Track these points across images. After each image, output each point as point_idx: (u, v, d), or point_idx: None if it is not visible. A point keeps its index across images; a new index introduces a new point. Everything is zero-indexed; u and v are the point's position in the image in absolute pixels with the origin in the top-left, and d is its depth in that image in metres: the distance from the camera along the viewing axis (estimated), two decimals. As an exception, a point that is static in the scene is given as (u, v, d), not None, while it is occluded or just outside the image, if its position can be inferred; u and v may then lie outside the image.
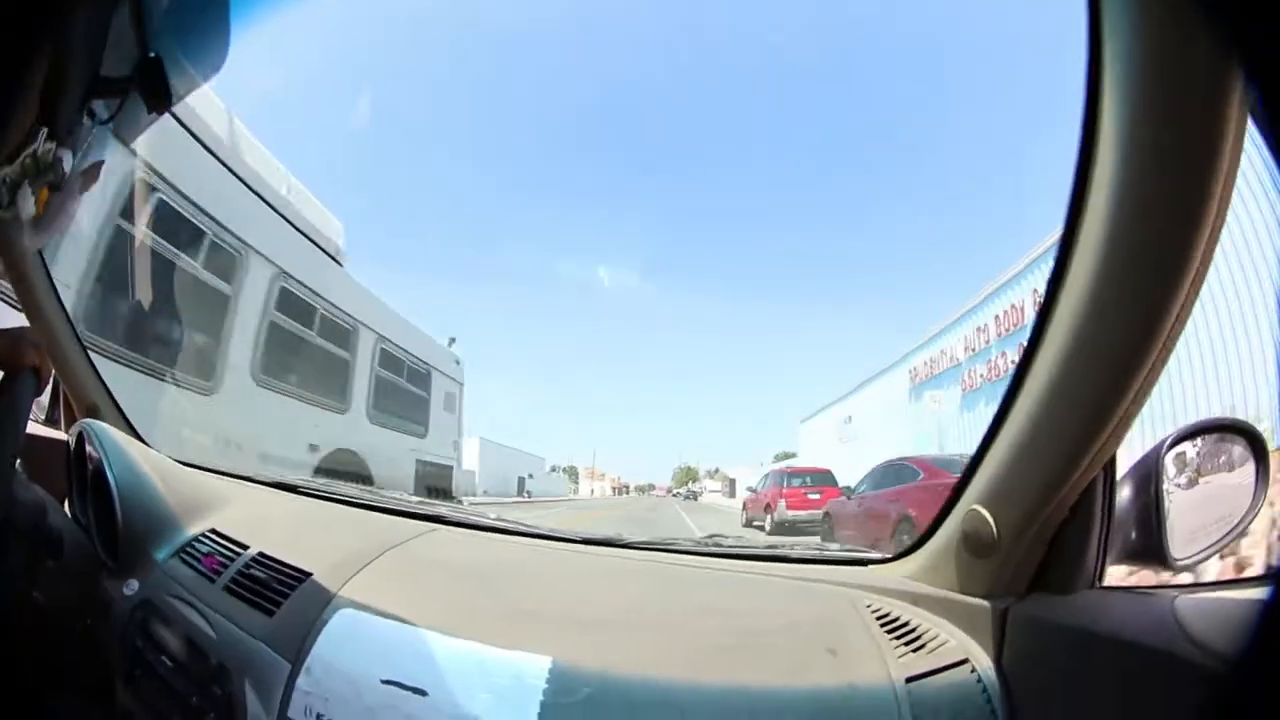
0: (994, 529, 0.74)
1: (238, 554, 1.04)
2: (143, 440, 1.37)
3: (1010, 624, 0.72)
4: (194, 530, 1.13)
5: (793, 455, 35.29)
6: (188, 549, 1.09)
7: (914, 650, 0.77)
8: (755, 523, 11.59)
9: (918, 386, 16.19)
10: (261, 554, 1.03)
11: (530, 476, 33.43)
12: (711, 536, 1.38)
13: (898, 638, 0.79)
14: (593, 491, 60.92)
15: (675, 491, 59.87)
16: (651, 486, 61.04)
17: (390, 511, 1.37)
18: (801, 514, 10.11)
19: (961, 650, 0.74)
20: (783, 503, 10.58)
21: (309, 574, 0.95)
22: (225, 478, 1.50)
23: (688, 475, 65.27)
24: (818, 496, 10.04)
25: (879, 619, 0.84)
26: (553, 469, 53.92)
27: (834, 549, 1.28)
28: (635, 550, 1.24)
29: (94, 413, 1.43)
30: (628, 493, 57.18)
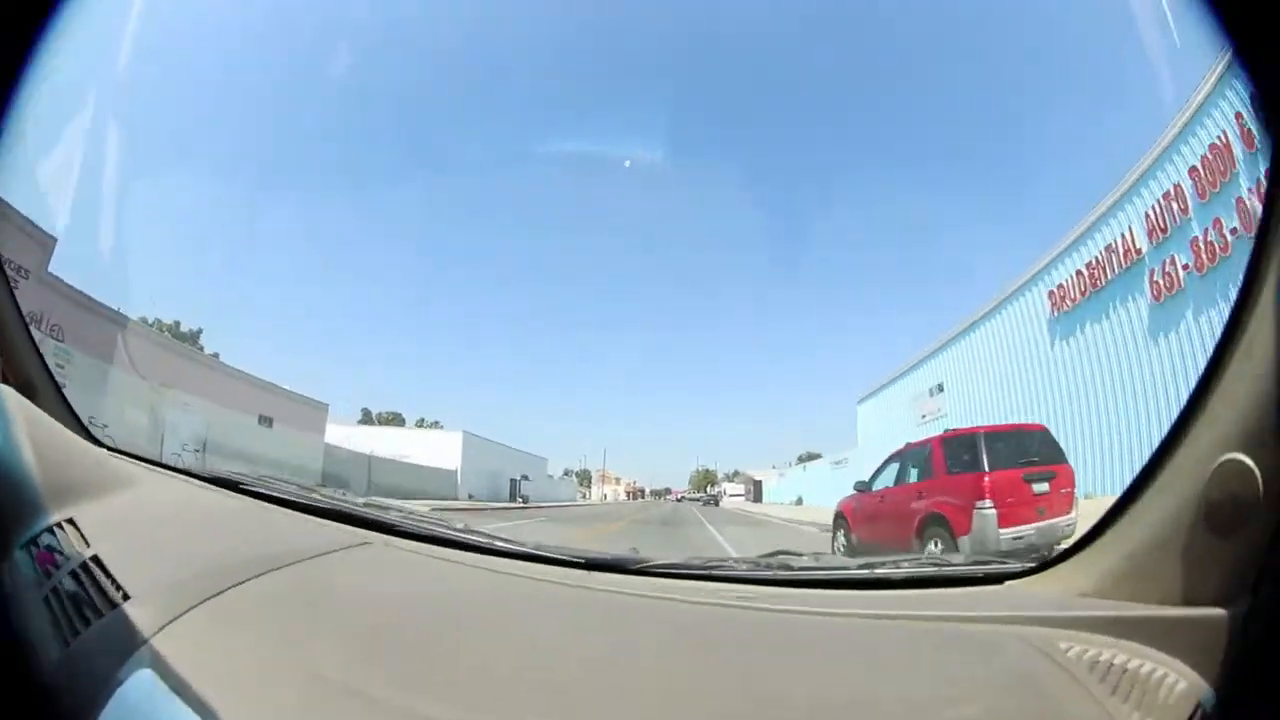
0: (1259, 483, 0.53)
1: (72, 555, 0.87)
2: (81, 424, 1.31)
3: (1253, 631, 0.53)
4: (55, 518, 0.96)
5: (817, 456, 31.20)
6: (36, 540, 0.92)
7: (1143, 713, 0.56)
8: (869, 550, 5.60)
9: (1067, 315, 11.03)
10: (96, 558, 0.85)
11: (525, 478, 28.57)
12: (775, 555, 1.14)
13: (1124, 699, 0.58)
14: (605, 496, 56.96)
15: (685, 496, 54.72)
16: (668, 490, 55.35)
17: (333, 515, 1.21)
18: (1026, 529, 4.22)
19: (1193, 694, 0.56)
20: (987, 508, 4.32)
21: (128, 596, 0.76)
22: (154, 467, 1.39)
23: (705, 479, 60.53)
24: (1046, 488, 4.45)
25: (1094, 672, 0.61)
26: (566, 473, 50.09)
27: (956, 561, 1.03)
28: (666, 578, 0.97)
29: (29, 391, 1.26)
30: (643, 497, 52.11)
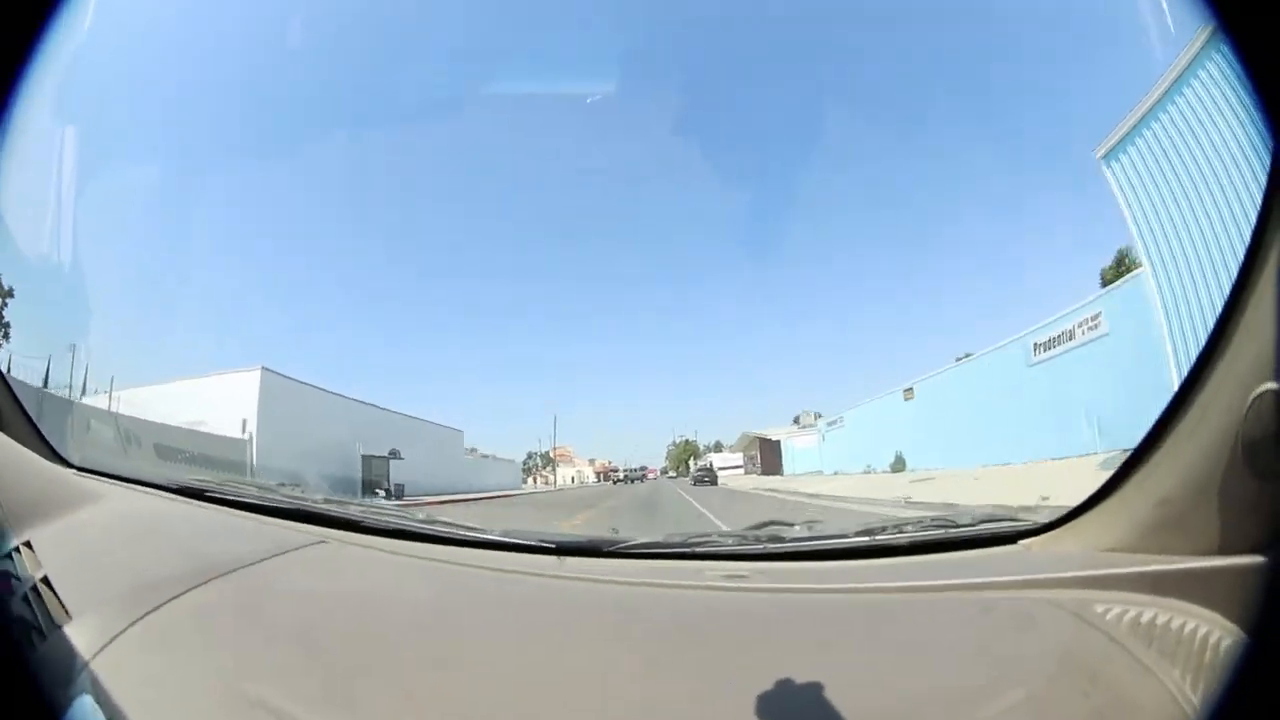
0: None
1: (25, 578, 0.80)
2: (46, 443, 1.22)
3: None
4: (13, 543, 0.88)
5: (834, 420, 21.37)
6: None
7: (1196, 676, 0.52)
8: None
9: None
10: (45, 579, 0.80)
11: (395, 455, 16.49)
12: (765, 525, 1.05)
13: (1170, 660, 0.55)
14: (573, 480, 45.90)
15: (670, 474, 44.55)
16: (643, 469, 42.39)
17: (294, 515, 1.16)
18: None
19: (1236, 649, 0.52)
20: None
21: (69, 615, 0.73)
22: (121, 483, 1.29)
23: (686, 451, 48.88)
24: None
25: (1136, 634, 0.58)
26: (530, 456, 39.74)
27: (964, 522, 0.92)
28: (646, 559, 0.91)
29: None
30: (614, 478, 40.32)
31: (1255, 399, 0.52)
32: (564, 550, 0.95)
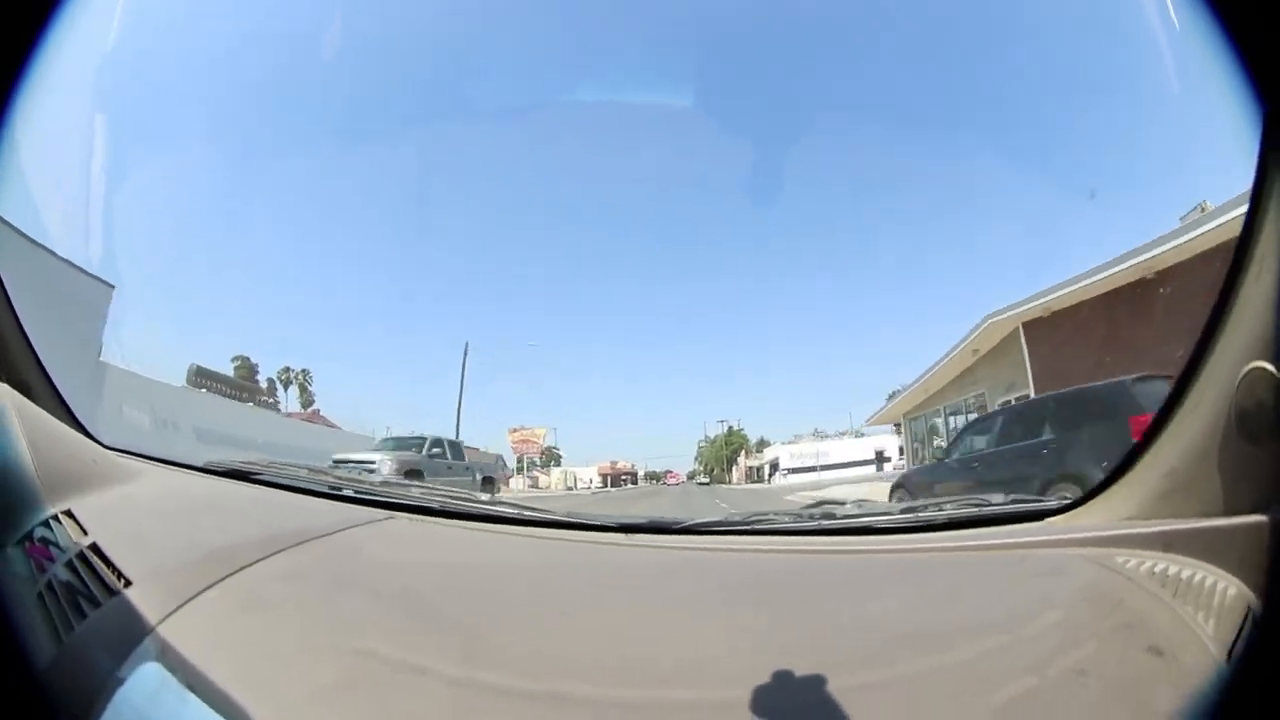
0: None
1: (68, 546, 0.81)
2: (78, 422, 1.24)
3: None
4: (51, 511, 0.88)
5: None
6: (30, 536, 0.85)
7: (1206, 614, 0.58)
8: None
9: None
10: (95, 546, 0.79)
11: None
12: (818, 505, 1.13)
13: (1188, 603, 0.60)
14: (574, 484, 30.13)
15: (700, 480, 31.50)
16: (665, 474, 33.26)
17: (349, 499, 1.19)
18: None
19: (1243, 598, 0.57)
20: None
21: (129, 582, 0.71)
22: (157, 463, 1.28)
23: (726, 446, 30.85)
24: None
25: (1155, 579, 0.64)
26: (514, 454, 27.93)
27: (996, 501, 1.02)
28: (707, 535, 0.98)
29: (25, 389, 1.21)
30: (632, 483, 31.99)
31: (1246, 374, 0.58)
32: (628, 529, 1.00)
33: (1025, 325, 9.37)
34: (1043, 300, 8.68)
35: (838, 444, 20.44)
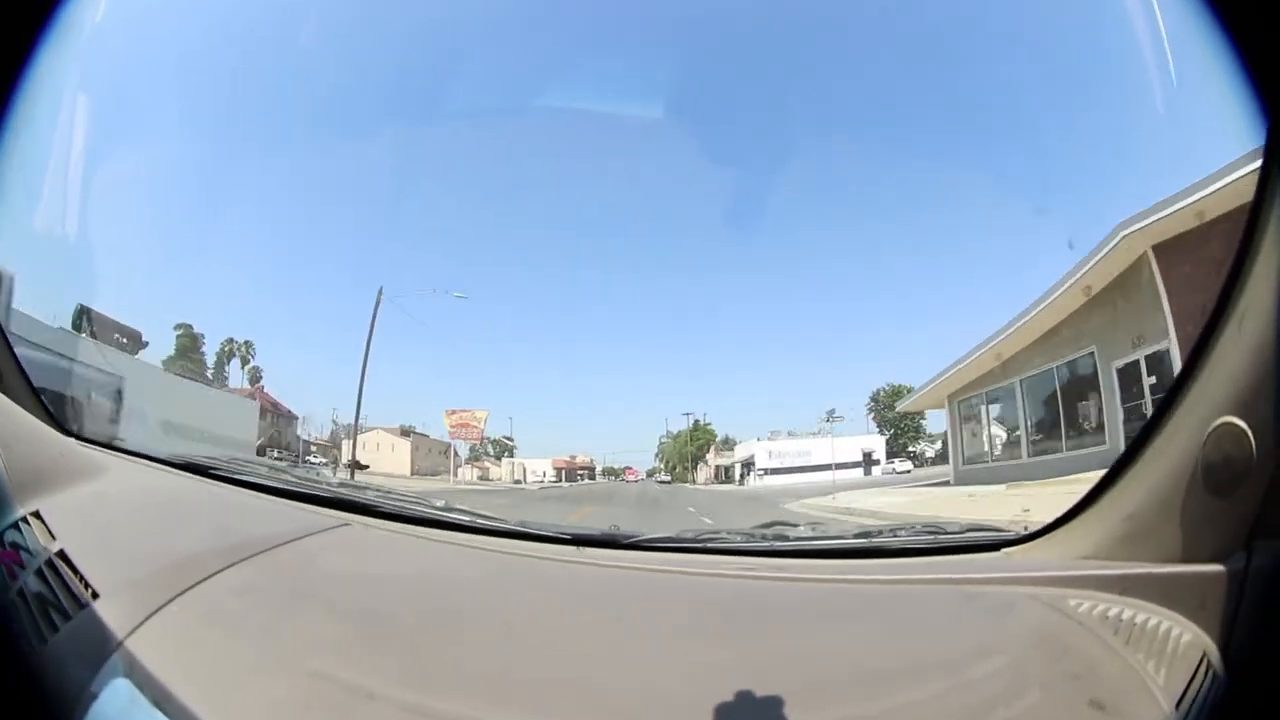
0: (1252, 444, 0.55)
1: (38, 551, 0.81)
2: (45, 409, 1.22)
3: (1250, 586, 0.55)
4: (20, 512, 0.87)
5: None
6: (2, 537, 0.82)
7: (1158, 663, 0.58)
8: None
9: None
10: (62, 553, 0.79)
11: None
12: (771, 525, 1.12)
13: (1138, 650, 0.60)
14: (521, 477, 27.10)
15: (660, 479, 27.43)
16: (624, 470, 31.35)
17: (305, 498, 1.18)
18: None
19: (1199, 645, 0.58)
20: None
21: (96, 594, 0.71)
22: (122, 455, 1.30)
23: (691, 442, 27.13)
24: None
25: (1107, 625, 0.63)
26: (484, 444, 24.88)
27: (951, 529, 1.00)
28: (659, 552, 0.95)
29: None
30: (590, 478, 29.96)
31: (1215, 428, 0.59)
32: (581, 541, 1.00)
33: (1157, 250, 6.30)
34: (1194, 199, 5.50)
35: (822, 442, 17.99)
